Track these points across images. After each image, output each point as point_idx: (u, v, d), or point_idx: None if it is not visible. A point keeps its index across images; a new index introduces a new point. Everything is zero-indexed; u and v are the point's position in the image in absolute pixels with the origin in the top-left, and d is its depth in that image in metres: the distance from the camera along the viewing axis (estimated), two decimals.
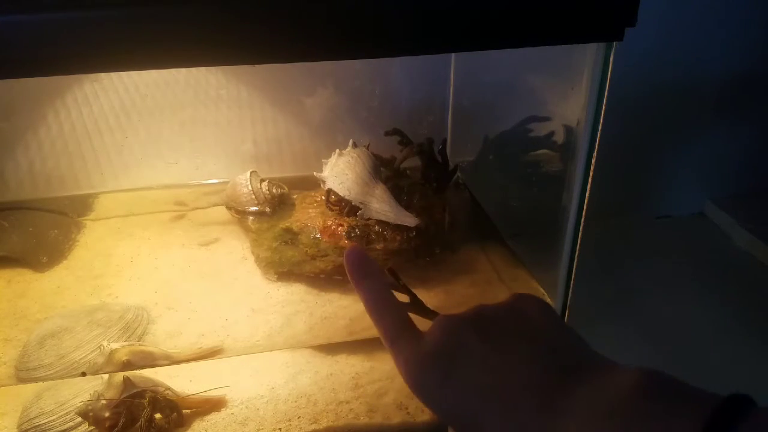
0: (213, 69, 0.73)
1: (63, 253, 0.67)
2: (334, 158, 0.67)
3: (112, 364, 0.52)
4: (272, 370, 0.62)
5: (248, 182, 0.71)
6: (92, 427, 0.53)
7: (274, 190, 0.72)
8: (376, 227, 0.63)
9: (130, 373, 0.53)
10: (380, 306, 0.32)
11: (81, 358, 0.53)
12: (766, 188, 1.01)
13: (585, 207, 0.51)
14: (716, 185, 1.01)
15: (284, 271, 0.62)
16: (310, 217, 0.67)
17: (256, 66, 0.72)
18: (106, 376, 0.55)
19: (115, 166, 0.77)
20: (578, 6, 0.39)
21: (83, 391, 0.56)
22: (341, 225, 0.64)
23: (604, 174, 0.53)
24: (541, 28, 0.39)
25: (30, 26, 0.33)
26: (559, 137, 0.57)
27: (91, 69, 0.39)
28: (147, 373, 0.56)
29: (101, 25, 0.34)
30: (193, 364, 0.53)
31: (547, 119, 0.63)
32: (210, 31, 0.35)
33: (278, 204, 0.72)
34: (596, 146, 0.49)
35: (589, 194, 0.51)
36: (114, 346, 0.52)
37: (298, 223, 0.67)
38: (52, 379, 0.53)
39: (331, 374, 0.61)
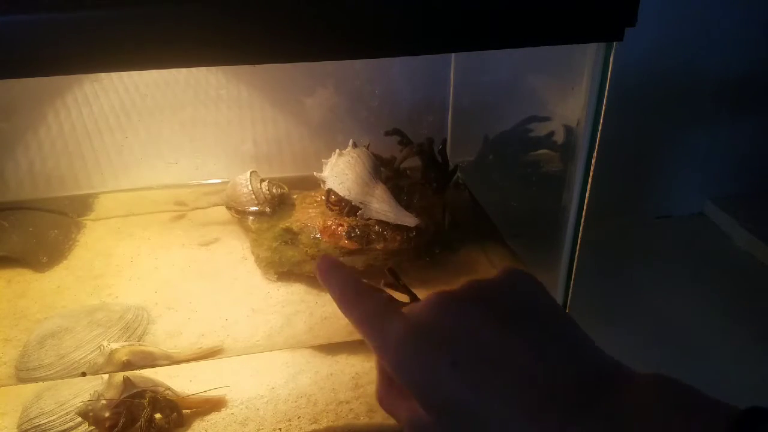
0: (213, 69, 0.73)
1: (63, 253, 0.67)
2: (334, 158, 0.67)
3: (112, 364, 0.52)
4: (272, 370, 0.62)
5: (248, 182, 0.71)
6: (92, 427, 0.53)
7: (274, 190, 0.72)
8: (376, 227, 0.63)
9: (130, 373, 0.53)
10: (359, 290, 0.30)
11: (81, 358, 0.53)
12: (766, 188, 1.01)
13: (585, 207, 0.51)
14: (716, 185, 1.01)
15: (284, 271, 0.62)
16: (310, 217, 0.67)
17: (256, 66, 0.72)
18: (106, 376, 0.55)
19: (115, 166, 0.77)
20: (578, 6, 0.39)
21: (83, 391, 0.56)
22: (341, 225, 0.64)
23: (604, 174, 0.53)
24: (541, 28, 0.39)
25: (30, 26, 0.33)
26: (559, 137, 0.57)
27: (91, 69, 0.39)
28: (147, 373, 0.56)
29: (101, 25, 0.34)
30: (193, 364, 0.53)
31: (547, 119, 0.64)
32: (210, 31, 0.35)
33: (278, 204, 0.72)
34: (596, 146, 0.49)
35: (589, 194, 0.51)
36: (114, 346, 0.52)
37: (298, 223, 0.67)
38: (52, 379, 0.53)
39: (331, 374, 0.61)
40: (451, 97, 0.81)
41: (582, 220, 0.52)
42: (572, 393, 0.23)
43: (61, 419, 0.54)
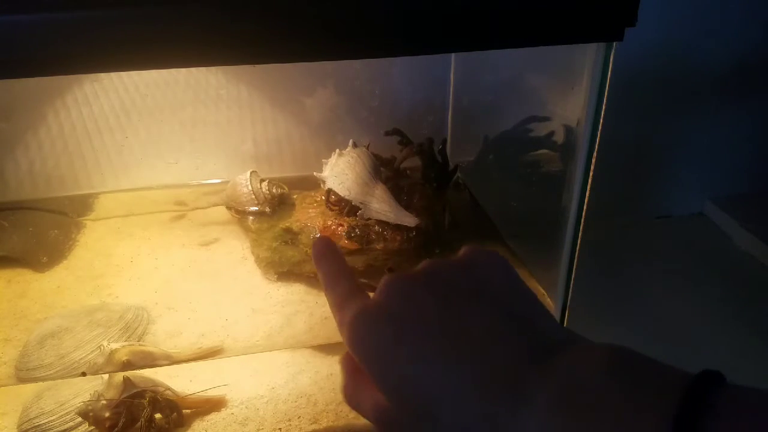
0: (213, 69, 0.73)
1: (63, 253, 0.67)
2: (334, 158, 0.67)
3: (112, 364, 0.52)
4: (272, 370, 0.62)
5: (248, 182, 0.71)
6: (92, 427, 0.53)
7: (274, 190, 0.72)
8: (376, 227, 0.63)
9: (130, 373, 0.53)
10: (335, 276, 0.31)
11: (81, 358, 0.53)
12: (766, 188, 1.01)
13: (585, 207, 0.51)
14: (716, 185, 1.01)
15: (284, 271, 0.62)
16: (310, 217, 0.67)
17: (256, 66, 0.72)
18: (106, 376, 0.55)
19: (115, 166, 0.77)
20: (578, 6, 0.39)
21: (83, 391, 0.56)
22: (341, 225, 0.64)
23: (604, 174, 0.53)
24: (541, 28, 0.39)
25: (30, 26, 0.33)
26: (559, 137, 0.57)
27: (91, 69, 0.39)
28: (147, 373, 0.56)
29: (101, 25, 0.34)
30: (193, 364, 0.53)
31: (547, 119, 0.63)
32: (210, 31, 0.35)
33: (278, 204, 0.72)
34: (596, 146, 0.49)
35: (589, 194, 0.51)
36: (114, 346, 0.52)
37: (298, 223, 0.67)
38: (52, 379, 0.53)
39: (331, 374, 0.61)
40: (451, 97, 0.81)
41: (582, 220, 0.52)
42: (524, 368, 0.23)
43: (61, 419, 0.54)
